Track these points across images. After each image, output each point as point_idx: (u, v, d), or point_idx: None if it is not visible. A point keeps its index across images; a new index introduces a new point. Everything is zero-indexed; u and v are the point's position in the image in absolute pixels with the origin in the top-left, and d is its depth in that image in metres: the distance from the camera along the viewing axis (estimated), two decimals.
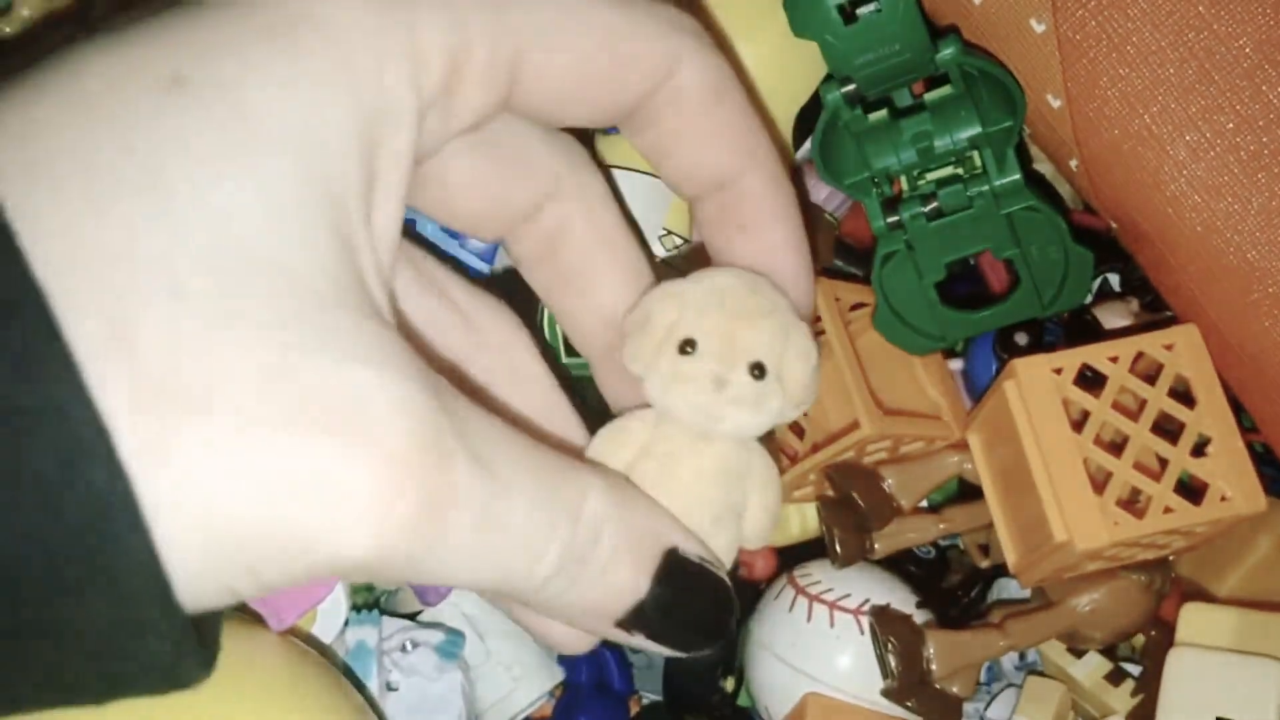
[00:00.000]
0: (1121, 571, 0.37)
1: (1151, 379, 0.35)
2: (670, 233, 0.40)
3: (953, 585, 0.46)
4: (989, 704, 0.42)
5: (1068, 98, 0.35)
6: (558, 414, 0.31)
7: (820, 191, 0.46)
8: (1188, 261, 0.35)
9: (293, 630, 0.40)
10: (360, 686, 0.41)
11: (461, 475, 0.22)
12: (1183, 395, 0.35)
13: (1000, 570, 0.41)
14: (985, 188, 0.36)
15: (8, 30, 0.39)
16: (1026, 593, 0.41)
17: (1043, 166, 0.43)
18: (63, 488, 0.18)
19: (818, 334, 0.40)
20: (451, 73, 0.24)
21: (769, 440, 0.30)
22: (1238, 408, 0.36)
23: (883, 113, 0.37)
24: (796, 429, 0.43)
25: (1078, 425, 0.34)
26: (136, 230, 0.19)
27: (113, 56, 0.21)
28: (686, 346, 0.28)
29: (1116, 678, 0.40)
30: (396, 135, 0.23)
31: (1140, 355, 0.35)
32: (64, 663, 0.20)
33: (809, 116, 0.39)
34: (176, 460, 0.19)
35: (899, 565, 0.43)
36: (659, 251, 0.40)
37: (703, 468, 0.28)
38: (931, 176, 0.37)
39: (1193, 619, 0.37)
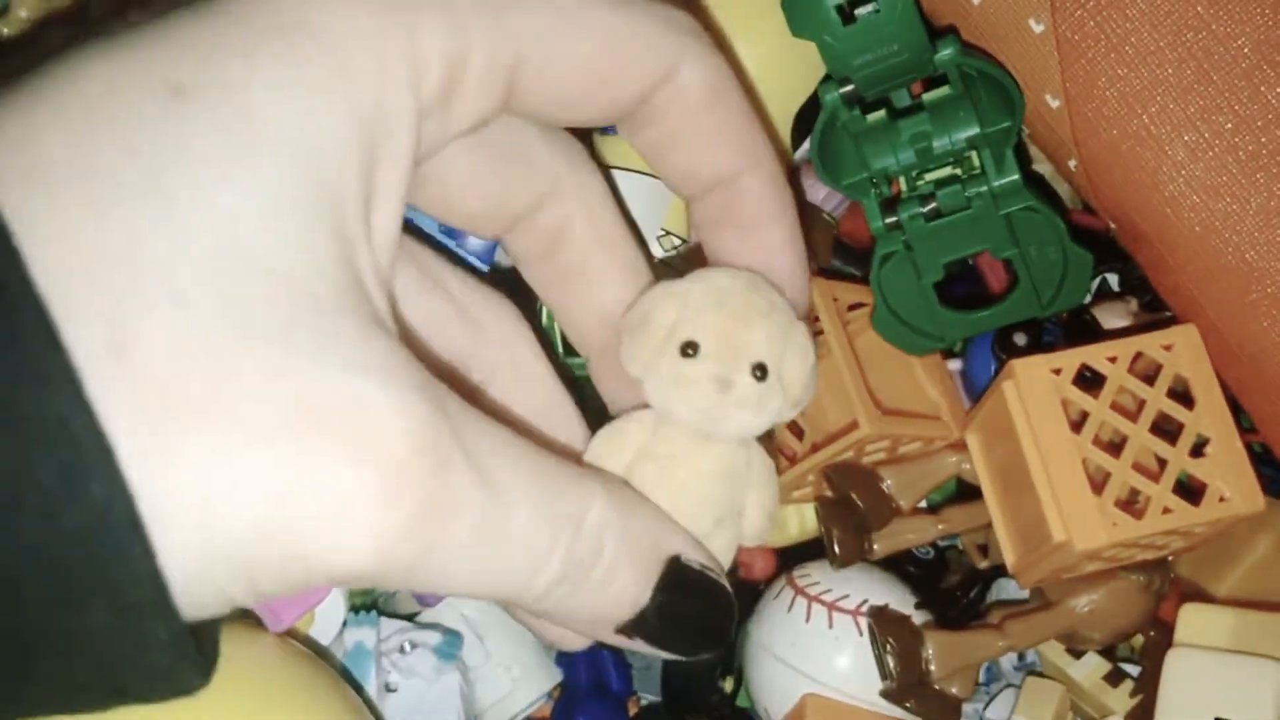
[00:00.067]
0: (1120, 572, 0.37)
1: (1150, 379, 0.35)
2: (669, 233, 0.40)
3: (951, 586, 0.46)
4: (988, 704, 0.42)
5: (1066, 98, 0.35)
6: (559, 411, 0.30)
7: (819, 192, 0.46)
8: (1186, 261, 0.35)
9: (291, 632, 0.40)
10: (358, 688, 0.41)
11: (461, 483, 0.22)
12: (1181, 395, 0.35)
13: (999, 571, 0.41)
14: (984, 188, 0.36)
15: (6, 32, 0.39)
16: (1025, 593, 0.41)
17: (1042, 167, 0.43)
18: (63, 497, 0.18)
19: (816, 334, 0.41)
20: (451, 77, 0.24)
21: (767, 439, 0.30)
22: (1236, 408, 0.36)
23: (881, 113, 0.37)
24: (795, 429, 0.43)
25: (1076, 425, 0.34)
26: (137, 236, 0.19)
27: (112, 61, 0.21)
28: (688, 348, 0.28)
29: (1115, 678, 0.40)
30: (395, 139, 0.23)
31: (1139, 355, 0.35)
32: (64, 671, 0.20)
33: (807, 117, 0.39)
34: (176, 468, 0.19)
35: (898, 566, 0.43)
36: (657, 252, 0.40)
37: (704, 469, 0.28)
38: (930, 177, 0.37)
39: (1191, 619, 0.37)
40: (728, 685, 0.46)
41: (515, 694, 0.45)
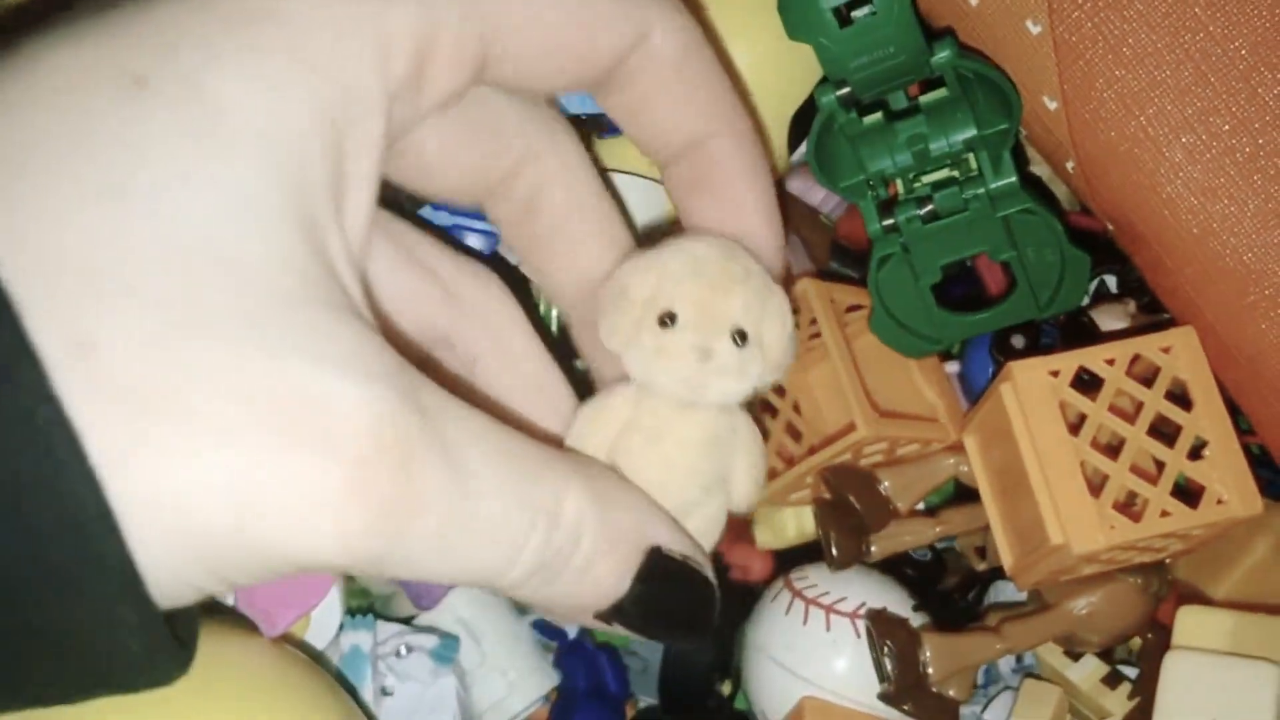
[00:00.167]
0: (1118, 574, 0.37)
1: (1148, 381, 0.35)
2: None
3: (949, 588, 0.46)
4: (986, 707, 0.42)
5: (1064, 99, 0.35)
6: (548, 383, 0.30)
7: (816, 194, 0.46)
8: (1184, 264, 0.35)
9: (286, 636, 0.40)
10: (354, 691, 0.40)
11: (429, 478, 0.21)
12: (1180, 398, 0.35)
13: (997, 573, 0.41)
14: (981, 190, 0.36)
15: None
16: (1023, 595, 0.41)
17: (1039, 169, 0.43)
18: (35, 492, 0.18)
19: (813, 335, 0.41)
20: (420, 59, 0.23)
21: (752, 405, 0.30)
22: (1234, 410, 0.36)
23: (878, 115, 0.36)
24: (793, 432, 0.43)
25: (1074, 428, 0.34)
26: (97, 233, 0.19)
27: (69, 55, 0.20)
28: (666, 319, 0.28)
29: (1113, 680, 0.40)
30: (364, 123, 0.23)
31: (1137, 357, 0.35)
32: (38, 662, 0.20)
33: (804, 119, 0.39)
34: (142, 463, 0.19)
35: (895, 568, 0.43)
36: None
37: (689, 438, 0.28)
38: (927, 179, 0.37)
39: (1189, 622, 0.37)
40: (725, 688, 0.46)
41: (512, 697, 0.45)
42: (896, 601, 0.41)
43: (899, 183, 0.38)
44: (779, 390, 0.43)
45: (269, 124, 0.21)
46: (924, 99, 0.36)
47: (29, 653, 0.20)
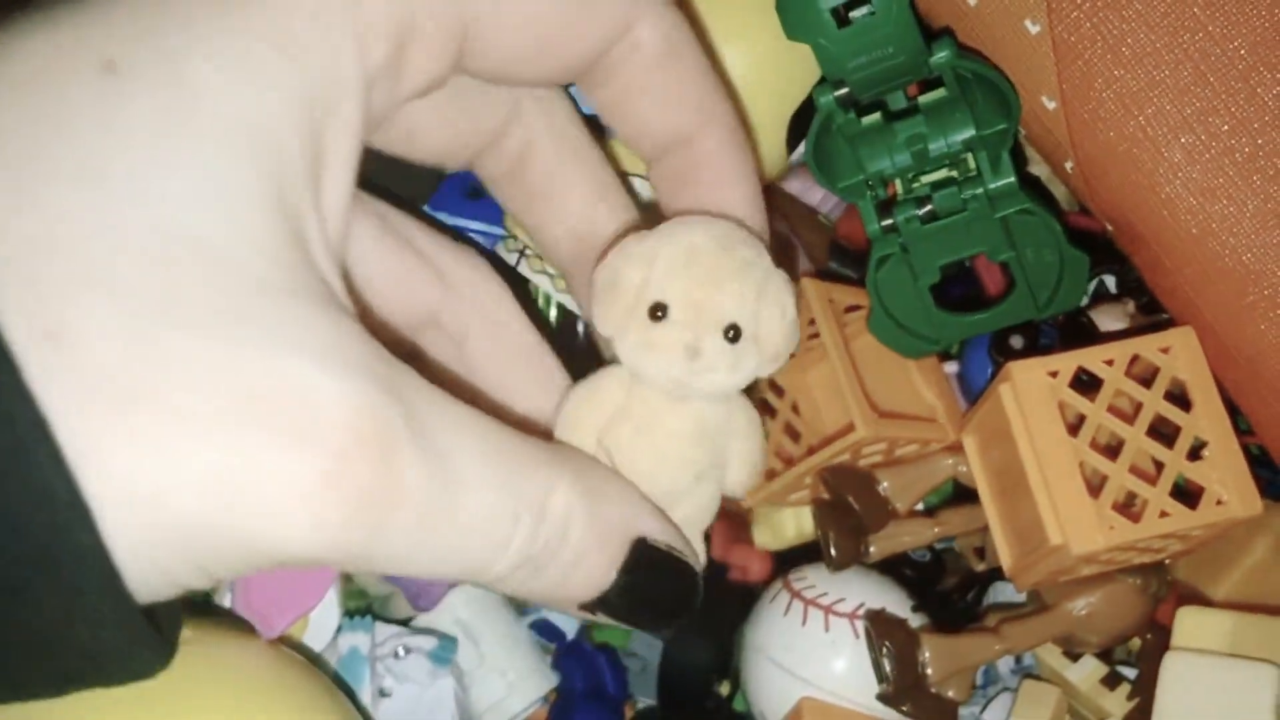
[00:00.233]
0: (1118, 575, 0.37)
1: (1147, 382, 0.35)
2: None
3: (948, 589, 0.45)
4: (985, 708, 0.42)
5: (1063, 100, 0.35)
6: (537, 360, 0.30)
7: (815, 194, 0.46)
8: (1183, 264, 0.35)
9: (284, 637, 0.40)
10: (352, 693, 0.40)
11: (409, 471, 0.21)
12: (1179, 398, 0.35)
13: (996, 573, 0.41)
14: (980, 190, 0.36)
15: None
16: (1022, 596, 0.41)
17: (1038, 169, 0.43)
18: (5, 482, 0.18)
19: (812, 336, 0.40)
20: (399, 45, 0.23)
21: (751, 390, 0.29)
22: (1233, 410, 0.36)
23: (877, 116, 0.36)
24: (791, 432, 0.43)
25: (1073, 428, 0.34)
26: (69, 222, 0.19)
27: (45, 37, 0.20)
28: (657, 311, 0.27)
29: (1112, 681, 0.40)
30: (343, 109, 0.22)
31: (1136, 358, 0.35)
32: (14, 655, 0.20)
33: (803, 119, 0.39)
34: (116, 454, 0.19)
35: (894, 569, 0.43)
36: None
37: (681, 429, 0.28)
38: (926, 179, 0.37)
39: (1188, 623, 0.37)
40: (724, 689, 0.46)
41: (510, 698, 0.45)
42: (895, 602, 0.41)
43: (898, 183, 0.37)
44: (778, 391, 0.43)
45: (245, 109, 0.21)
46: (923, 99, 0.36)
47: (3, 645, 0.20)
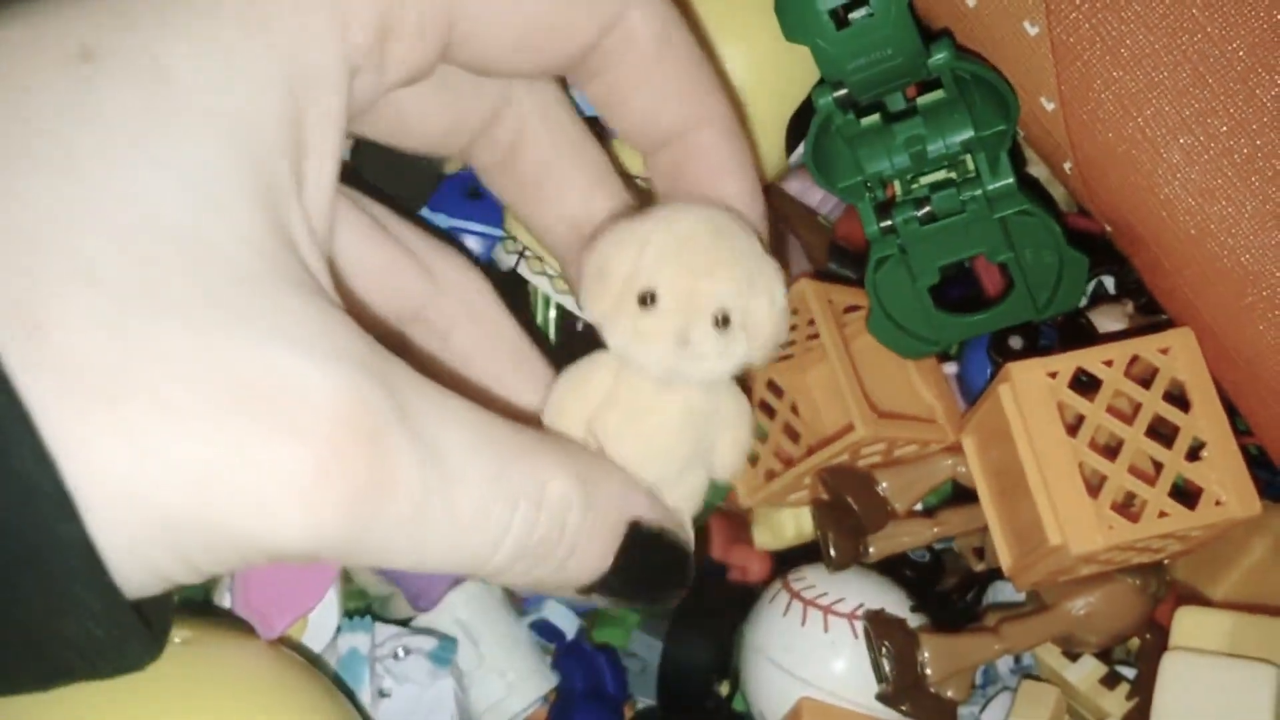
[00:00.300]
0: (1117, 575, 0.37)
1: (1146, 383, 0.35)
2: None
3: (948, 589, 0.46)
4: (984, 707, 0.42)
5: (1061, 101, 0.35)
6: (522, 356, 0.30)
7: (814, 195, 0.46)
8: (1182, 265, 0.35)
9: (284, 638, 0.40)
10: (352, 694, 0.40)
11: (400, 460, 0.21)
12: (1178, 399, 0.35)
13: (995, 574, 0.41)
14: (979, 192, 0.36)
15: None
16: (1021, 596, 0.41)
17: (1037, 170, 0.43)
18: None
19: (811, 336, 0.41)
20: (382, 33, 0.23)
21: (749, 389, 0.29)
22: (1232, 411, 0.36)
23: (875, 117, 0.36)
24: (791, 433, 0.43)
25: (1072, 429, 0.34)
26: (45, 211, 0.19)
27: (18, 29, 0.20)
28: (646, 298, 0.27)
29: (1111, 681, 0.40)
30: (325, 98, 0.22)
31: (1135, 359, 0.35)
32: (1, 650, 0.20)
33: (802, 120, 0.39)
34: (98, 446, 0.19)
35: (894, 569, 0.43)
36: None
37: (669, 416, 0.28)
38: (925, 181, 0.37)
39: (1187, 623, 0.37)
40: (724, 689, 0.46)
41: (510, 698, 0.45)
42: (894, 602, 0.41)
43: (897, 184, 0.37)
44: (777, 391, 0.43)
45: (225, 99, 0.21)
46: (921, 100, 0.36)
47: None
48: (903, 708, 0.38)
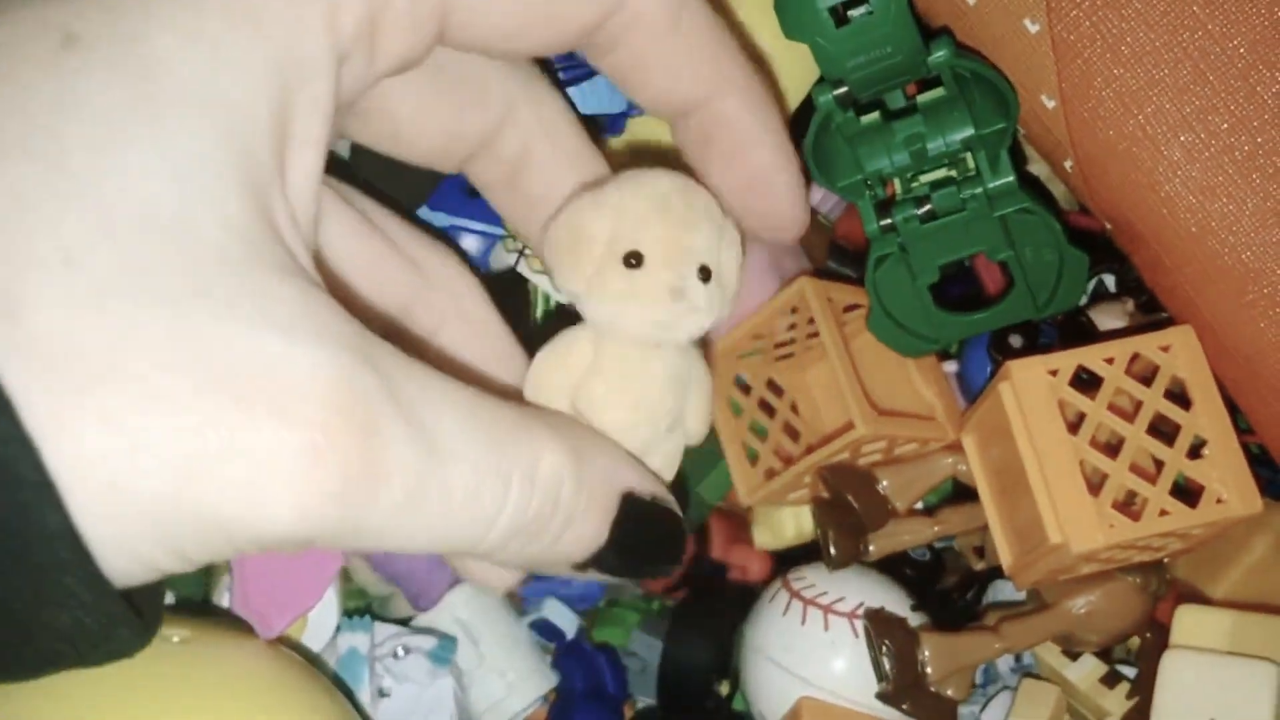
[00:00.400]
0: (1117, 574, 0.37)
1: (1147, 381, 0.35)
2: None
3: (948, 587, 0.45)
4: (984, 707, 0.42)
5: (1062, 98, 0.34)
6: (508, 351, 0.30)
7: (814, 193, 0.46)
8: (1183, 263, 0.35)
9: (283, 637, 0.40)
10: (351, 693, 0.40)
11: (392, 443, 0.21)
12: (1179, 397, 0.35)
13: (995, 572, 0.41)
14: (979, 190, 0.36)
15: None
16: (1022, 595, 0.41)
17: (1037, 168, 0.42)
18: None
19: (811, 335, 0.40)
20: (371, 18, 0.23)
21: (701, 341, 0.30)
22: (1233, 409, 0.36)
23: (875, 115, 0.36)
24: (791, 431, 0.43)
25: (1073, 427, 0.34)
26: (25, 196, 0.19)
27: (3, 17, 0.20)
28: (631, 259, 0.27)
29: (1112, 680, 0.40)
30: (312, 84, 0.22)
31: (1136, 357, 0.35)
32: None
33: (801, 119, 0.38)
34: (79, 432, 0.18)
35: (894, 568, 0.43)
36: None
37: (655, 379, 0.28)
38: (925, 179, 0.37)
39: (1188, 621, 0.37)
40: (724, 689, 0.46)
41: (510, 698, 0.44)
42: (895, 601, 0.41)
43: (896, 182, 0.37)
44: (777, 390, 0.43)
45: (208, 83, 0.20)
46: (921, 98, 0.36)
47: None
48: (903, 707, 0.38)
